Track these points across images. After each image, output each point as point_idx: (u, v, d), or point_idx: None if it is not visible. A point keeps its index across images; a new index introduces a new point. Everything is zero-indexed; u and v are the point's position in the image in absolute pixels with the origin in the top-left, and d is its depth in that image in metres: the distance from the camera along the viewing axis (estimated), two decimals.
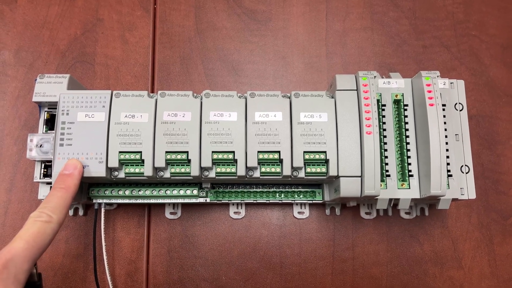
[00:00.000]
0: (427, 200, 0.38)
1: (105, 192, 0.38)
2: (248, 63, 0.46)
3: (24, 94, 0.45)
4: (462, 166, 0.37)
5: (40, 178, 0.37)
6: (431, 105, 0.34)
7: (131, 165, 0.35)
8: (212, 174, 0.35)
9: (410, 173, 0.36)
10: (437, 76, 0.36)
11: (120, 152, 0.34)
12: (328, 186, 0.40)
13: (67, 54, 0.46)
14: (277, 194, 0.40)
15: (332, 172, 0.34)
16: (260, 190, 0.40)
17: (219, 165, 0.35)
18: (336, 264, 0.42)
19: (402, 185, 0.36)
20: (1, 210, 0.42)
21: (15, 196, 0.42)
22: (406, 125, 0.37)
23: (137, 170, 0.35)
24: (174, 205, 0.43)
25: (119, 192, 0.38)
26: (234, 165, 0.35)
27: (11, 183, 0.43)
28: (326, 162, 0.35)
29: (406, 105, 0.37)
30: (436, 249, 0.42)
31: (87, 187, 0.38)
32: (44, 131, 0.37)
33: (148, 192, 0.38)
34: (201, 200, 0.39)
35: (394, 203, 0.38)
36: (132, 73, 0.46)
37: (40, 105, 0.37)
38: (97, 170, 0.34)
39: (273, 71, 0.46)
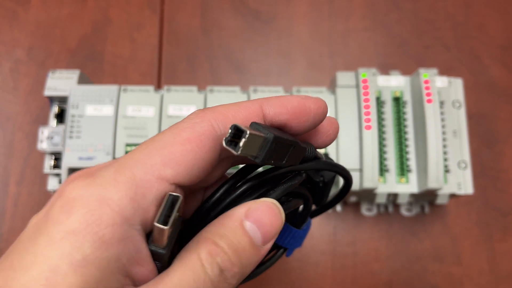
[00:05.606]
0: (426, 196, 0.38)
1: None
2: (252, 62, 0.48)
3: (35, 91, 0.46)
4: (460, 162, 0.38)
5: (49, 170, 0.38)
6: (429, 101, 0.35)
7: None
8: None
9: (408, 168, 0.37)
10: (435, 74, 0.36)
11: (127, 144, 0.36)
12: None
13: (77, 52, 0.47)
14: None
15: None
16: None
17: None
18: (337, 260, 0.43)
19: (401, 180, 0.37)
20: (11, 202, 0.43)
21: (25, 189, 0.44)
22: (405, 121, 0.38)
23: None
24: None
25: None
26: None
27: (21, 176, 0.44)
28: (325, 156, 0.36)
29: (405, 102, 0.38)
30: (436, 245, 0.43)
31: None
32: (54, 124, 0.39)
33: None
34: None
35: (394, 200, 0.39)
36: (140, 71, 0.47)
37: (51, 99, 0.39)
38: (104, 161, 0.35)
39: (276, 70, 0.47)
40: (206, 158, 0.16)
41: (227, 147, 0.15)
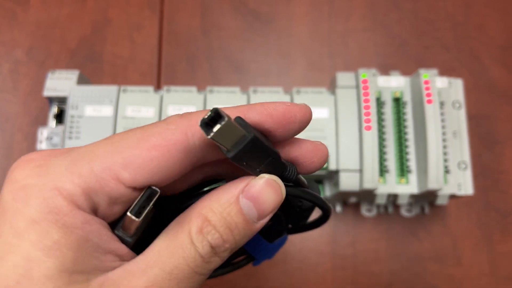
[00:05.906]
0: (426, 196, 0.38)
1: None
2: (252, 62, 0.48)
3: (35, 91, 0.46)
4: (460, 162, 0.37)
5: None
6: (429, 102, 0.35)
7: None
8: None
9: (408, 169, 0.37)
10: (436, 74, 0.36)
11: None
12: (328, 183, 0.41)
13: (77, 52, 0.47)
14: None
15: (332, 166, 0.35)
16: None
17: None
18: (336, 261, 0.43)
19: (401, 181, 0.36)
20: None
21: None
22: (405, 122, 0.37)
23: None
24: None
25: None
26: None
27: None
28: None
29: (405, 103, 0.38)
30: (436, 246, 0.43)
31: None
32: (53, 125, 0.39)
33: None
34: None
35: (394, 201, 0.39)
36: (139, 71, 0.47)
37: (51, 100, 0.39)
38: None
39: (276, 70, 0.47)
40: (171, 168, 0.15)
41: (201, 129, 0.14)
